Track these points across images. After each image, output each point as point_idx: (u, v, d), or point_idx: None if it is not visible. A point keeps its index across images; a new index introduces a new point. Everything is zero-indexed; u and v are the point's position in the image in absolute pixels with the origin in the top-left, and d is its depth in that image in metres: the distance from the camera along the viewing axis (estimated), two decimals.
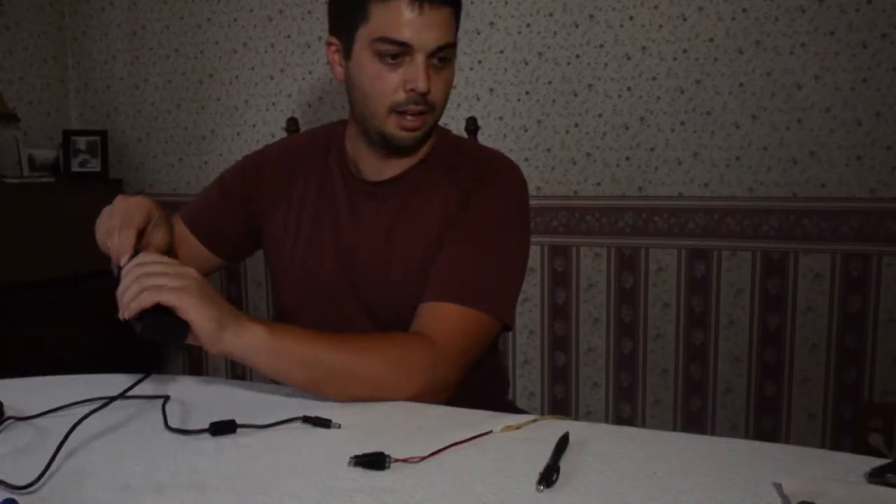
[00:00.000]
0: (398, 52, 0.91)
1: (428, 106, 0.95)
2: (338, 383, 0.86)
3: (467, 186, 1.02)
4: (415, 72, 0.91)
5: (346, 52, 0.97)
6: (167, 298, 0.77)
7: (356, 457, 0.69)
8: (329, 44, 1.00)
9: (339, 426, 0.79)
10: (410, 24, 0.90)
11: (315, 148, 1.12)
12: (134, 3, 2.57)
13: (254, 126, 2.46)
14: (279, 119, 2.40)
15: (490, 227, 1.00)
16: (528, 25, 2.10)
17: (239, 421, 0.79)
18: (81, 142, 2.45)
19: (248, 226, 1.14)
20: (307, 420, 0.80)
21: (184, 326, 0.79)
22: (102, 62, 2.65)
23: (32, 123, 2.56)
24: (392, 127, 0.96)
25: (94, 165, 2.44)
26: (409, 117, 0.94)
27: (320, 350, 0.86)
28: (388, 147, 1.00)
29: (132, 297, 0.77)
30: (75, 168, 2.43)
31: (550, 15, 2.07)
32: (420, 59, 0.91)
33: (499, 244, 1.00)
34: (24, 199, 2.16)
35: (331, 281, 1.06)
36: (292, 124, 1.65)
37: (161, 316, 0.78)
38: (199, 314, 0.78)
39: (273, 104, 2.43)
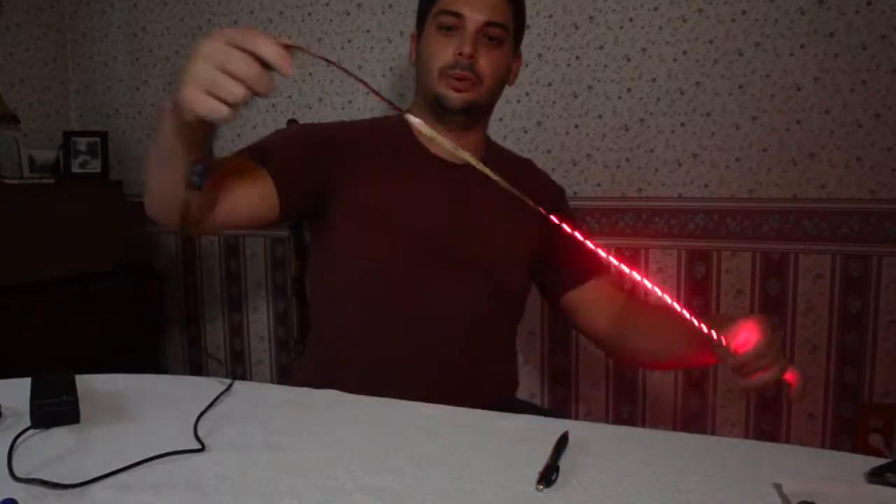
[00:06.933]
0: (453, 23, 1.10)
1: (475, 74, 1.11)
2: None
3: (534, 188, 1.19)
4: (463, 39, 1.10)
5: (419, 35, 1.18)
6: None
7: None
8: (412, 36, 1.22)
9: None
10: (465, 0, 1.10)
11: (374, 131, 1.22)
12: (134, 5, 2.57)
13: (253, 128, 2.46)
14: (279, 120, 2.40)
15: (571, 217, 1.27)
16: (527, 27, 2.10)
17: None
18: (82, 143, 2.45)
19: (315, 183, 1.08)
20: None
21: None
22: (103, 63, 2.65)
23: (33, 124, 2.56)
24: (442, 87, 1.12)
25: (95, 167, 2.44)
26: (454, 79, 1.11)
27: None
28: (440, 109, 1.14)
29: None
30: (75, 169, 2.43)
31: (550, 16, 2.07)
32: (471, 29, 1.10)
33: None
34: (24, 200, 2.16)
35: (436, 246, 1.13)
36: (292, 126, 1.65)
37: None
38: None
39: (273, 106, 2.43)
